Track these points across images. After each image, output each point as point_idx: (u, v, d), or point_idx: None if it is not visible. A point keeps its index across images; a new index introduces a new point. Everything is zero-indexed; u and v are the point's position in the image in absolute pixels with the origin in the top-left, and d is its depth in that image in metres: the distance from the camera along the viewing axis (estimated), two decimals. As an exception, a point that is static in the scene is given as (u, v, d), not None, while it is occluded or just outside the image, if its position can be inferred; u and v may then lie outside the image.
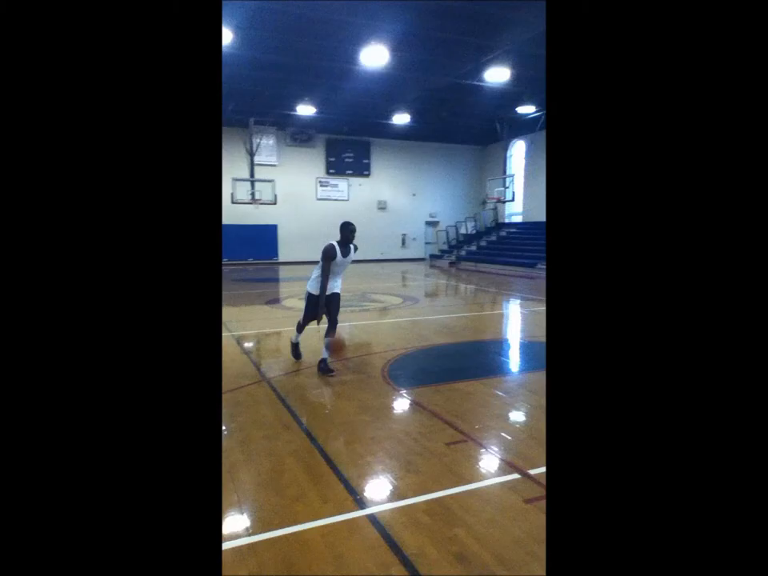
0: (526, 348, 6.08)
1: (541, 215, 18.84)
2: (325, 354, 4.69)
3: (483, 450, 3.06)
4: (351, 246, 4.64)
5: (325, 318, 4.61)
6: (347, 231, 4.57)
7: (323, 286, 4.50)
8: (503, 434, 3.38)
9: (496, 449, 3.13)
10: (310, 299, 4.67)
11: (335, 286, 4.67)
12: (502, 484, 2.67)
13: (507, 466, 2.92)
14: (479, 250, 19.94)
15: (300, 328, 4.96)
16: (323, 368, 4.66)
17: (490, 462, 2.95)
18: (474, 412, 3.68)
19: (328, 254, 4.51)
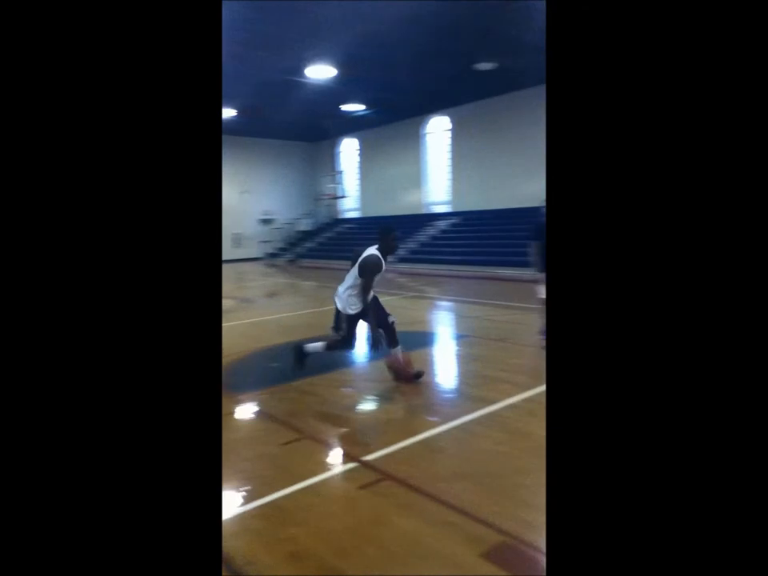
0: (367, 339, 6.25)
1: (378, 211, 19.55)
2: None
3: (318, 446, 3.08)
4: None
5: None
6: (390, 239, 3.87)
7: (365, 301, 3.86)
8: (340, 426, 3.44)
9: (331, 442, 3.17)
10: (351, 320, 3.96)
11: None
12: (337, 475, 2.71)
13: (342, 456, 2.97)
14: (319, 246, 20.07)
15: (330, 347, 4.09)
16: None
17: (325, 455, 2.98)
18: (310, 409, 3.68)
19: (376, 269, 3.80)
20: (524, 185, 14.79)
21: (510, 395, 3.72)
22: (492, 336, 5.82)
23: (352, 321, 3.94)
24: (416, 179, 18.48)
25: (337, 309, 4.00)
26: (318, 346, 4.14)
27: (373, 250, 3.84)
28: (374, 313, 3.93)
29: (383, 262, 3.82)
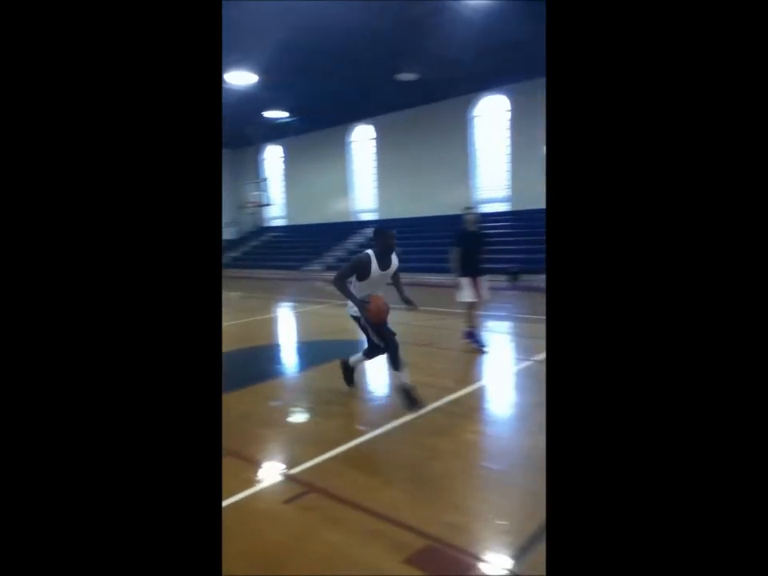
0: (298, 349, 6.19)
1: (305, 219, 19.35)
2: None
3: (242, 462, 3.00)
4: (393, 255, 3.74)
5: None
6: (387, 238, 3.64)
7: (351, 297, 3.60)
8: (265, 440, 3.37)
9: (256, 457, 3.10)
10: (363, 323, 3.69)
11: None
12: (262, 491, 2.66)
13: (267, 471, 2.91)
14: (244, 256, 19.58)
15: (398, 364, 3.68)
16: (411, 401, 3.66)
17: (249, 472, 2.90)
18: (236, 424, 3.58)
19: (356, 264, 3.62)
20: (448, 193, 15.23)
21: (435, 399, 3.81)
22: (418, 342, 5.94)
23: (370, 324, 3.67)
24: (343, 187, 18.51)
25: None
26: (358, 356, 3.96)
27: (367, 251, 3.69)
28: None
29: (374, 262, 3.61)
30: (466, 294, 5.36)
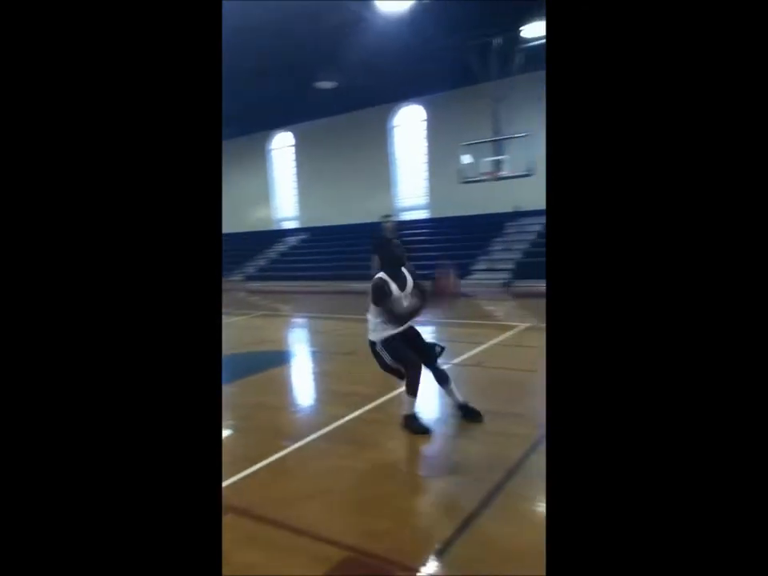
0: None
1: (225, 227, 18.71)
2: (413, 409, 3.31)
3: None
4: (403, 269, 3.35)
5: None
6: (389, 249, 3.28)
7: (396, 325, 3.24)
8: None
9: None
10: (387, 344, 3.30)
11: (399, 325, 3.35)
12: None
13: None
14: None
15: (412, 390, 3.29)
16: (416, 425, 3.31)
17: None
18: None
19: (379, 292, 3.22)
20: (369, 200, 15.38)
21: (356, 408, 3.81)
22: (341, 350, 5.93)
23: (388, 349, 3.31)
24: (264, 195, 18.19)
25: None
26: (410, 402, 3.36)
27: (378, 273, 3.33)
28: (403, 348, 3.32)
29: (390, 283, 3.26)
30: (387, 301, 5.42)
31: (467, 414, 3.43)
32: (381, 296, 3.24)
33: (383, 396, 4.03)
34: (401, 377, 3.37)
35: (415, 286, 3.39)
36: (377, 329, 3.33)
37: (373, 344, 3.37)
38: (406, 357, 3.30)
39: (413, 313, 3.33)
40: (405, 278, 3.34)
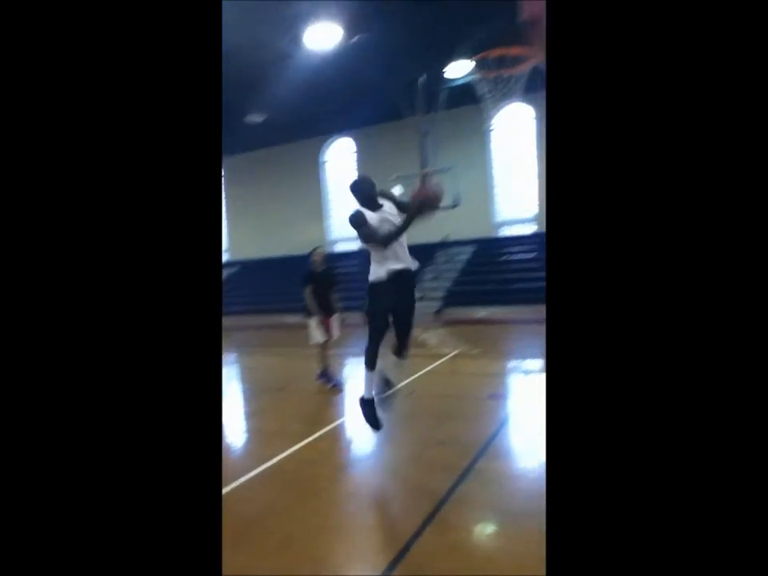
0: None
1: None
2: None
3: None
4: (383, 201, 3.13)
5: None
6: (364, 187, 3.11)
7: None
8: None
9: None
10: (373, 290, 3.00)
11: (401, 260, 2.99)
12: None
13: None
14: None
15: (370, 359, 2.99)
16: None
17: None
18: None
19: (357, 221, 2.97)
20: (301, 232, 15.33)
21: (285, 448, 3.70)
22: (272, 386, 5.77)
23: (371, 294, 3.02)
24: (192, 227, 17.67)
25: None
26: (368, 378, 3.11)
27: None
28: (384, 301, 2.99)
29: (363, 210, 3.04)
30: (317, 334, 5.37)
31: (387, 386, 3.32)
32: (359, 226, 2.99)
33: (315, 433, 3.95)
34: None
35: (397, 206, 3.18)
36: (372, 271, 3.06)
37: (374, 286, 3.06)
38: (377, 315, 3.03)
39: (400, 229, 2.99)
40: (381, 206, 3.12)
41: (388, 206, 3.14)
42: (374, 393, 3.13)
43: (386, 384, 3.28)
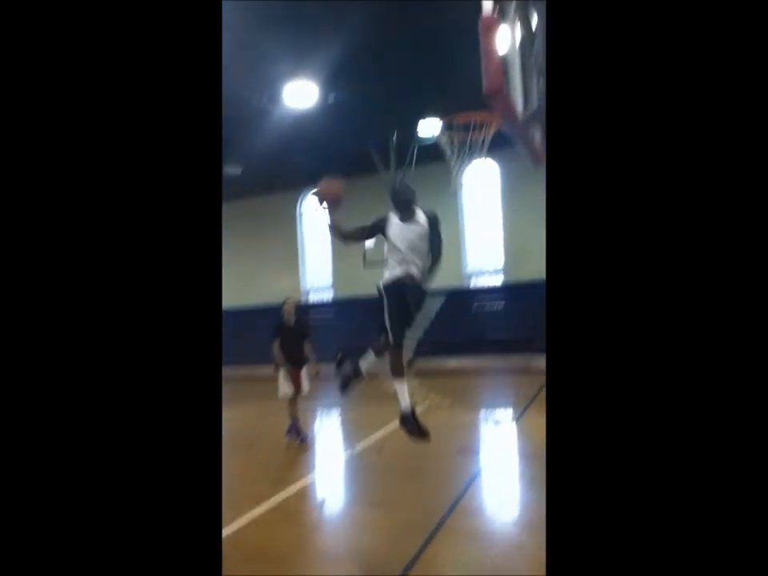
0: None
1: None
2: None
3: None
4: (416, 209, 2.97)
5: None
6: (404, 194, 3.00)
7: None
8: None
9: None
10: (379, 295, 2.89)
11: (401, 268, 2.87)
12: None
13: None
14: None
15: (395, 367, 2.88)
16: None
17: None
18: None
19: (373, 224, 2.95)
20: (277, 281, 15.33)
21: (249, 509, 3.57)
22: (239, 442, 5.61)
23: (385, 295, 2.91)
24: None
25: None
26: (400, 388, 2.96)
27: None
28: (399, 305, 2.89)
29: (389, 216, 2.97)
30: (285, 387, 5.29)
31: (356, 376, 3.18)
32: (370, 228, 3.01)
33: (281, 492, 3.84)
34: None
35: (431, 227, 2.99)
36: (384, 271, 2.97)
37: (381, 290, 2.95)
38: (394, 319, 2.89)
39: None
40: (413, 214, 2.99)
41: (423, 220, 3.00)
42: (348, 370, 3.09)
43: (355, 374, 3.18)
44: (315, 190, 3.04)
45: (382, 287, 2.93)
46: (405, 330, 2.94)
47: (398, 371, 2.91)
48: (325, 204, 2.98)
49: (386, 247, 2.99)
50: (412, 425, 2.93)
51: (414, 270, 2.89)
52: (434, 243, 2.96)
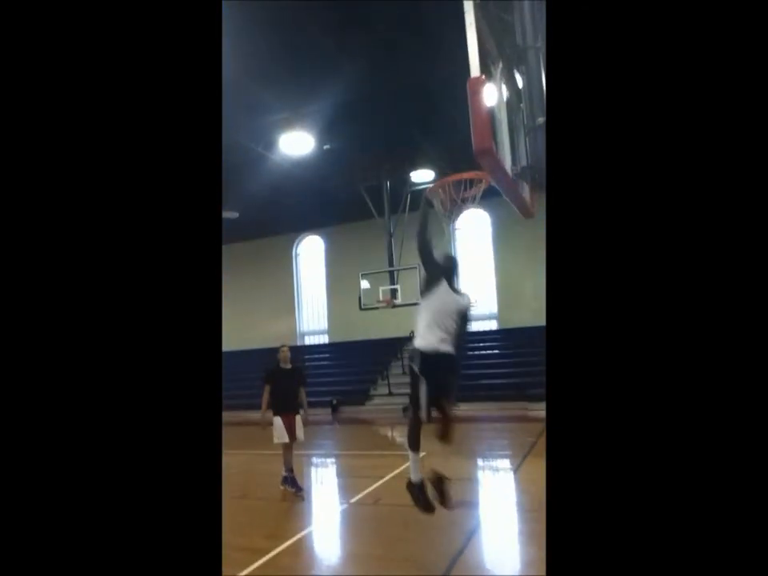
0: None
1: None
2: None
3: None
4: (459, 288, 3.11)
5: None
6: (455, 264, 3.16)
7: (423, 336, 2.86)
8: None
9: None
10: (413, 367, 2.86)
11: (439, 340, 2.85)
12: None
13: None
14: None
15: (413, 440, 2.86)
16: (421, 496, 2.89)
17: None
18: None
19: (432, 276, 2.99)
20: (274, 325, 15.30)
21: (244, 566, 3.48)
22: (232, 493, 5.49)
23: (418, 365, 2.90)
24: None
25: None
26: (414, 460, 2.96)
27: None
28: (432, 374, 2.87)
29: (445, 283, 3.00)
30: (280, 435, 5.20)
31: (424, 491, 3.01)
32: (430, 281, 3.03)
33: (276, 547, 3.75)
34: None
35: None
36: (419, 338, 2.96)
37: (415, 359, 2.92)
38: (420, 390, 2.84)
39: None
40: (458, 290, 3.09)
41: (467, 295, 3.13)
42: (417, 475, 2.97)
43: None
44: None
45: (418, 360, 2.88)
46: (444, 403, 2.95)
47: (414, 445, 2.94)
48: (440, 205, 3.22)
49: (422, 310, 3.00)
50: (419, 497, 2.96)
51: (449, 339, 2.91)
52: (467, 318, 3.03)
